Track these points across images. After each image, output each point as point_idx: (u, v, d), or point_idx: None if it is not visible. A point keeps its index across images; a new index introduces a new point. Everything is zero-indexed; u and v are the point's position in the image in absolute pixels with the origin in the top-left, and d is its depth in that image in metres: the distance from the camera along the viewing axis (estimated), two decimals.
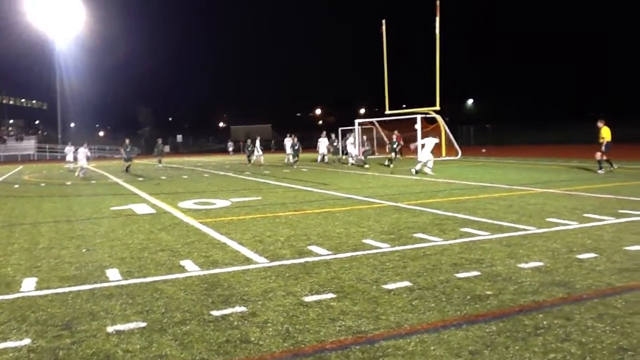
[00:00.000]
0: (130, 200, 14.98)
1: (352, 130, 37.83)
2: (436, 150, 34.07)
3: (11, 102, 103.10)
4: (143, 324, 4.82)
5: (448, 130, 36.12)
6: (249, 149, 33.27)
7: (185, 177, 24.77)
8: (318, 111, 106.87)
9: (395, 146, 28.86)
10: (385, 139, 38.21)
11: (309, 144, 48.00)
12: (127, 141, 29.00)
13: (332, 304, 5.26)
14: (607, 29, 72.16)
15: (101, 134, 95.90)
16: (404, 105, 41.63)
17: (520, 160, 28.44)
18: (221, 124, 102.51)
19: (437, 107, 34.05)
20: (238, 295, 5.62)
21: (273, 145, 52.50)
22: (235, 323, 4.80)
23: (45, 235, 9.55)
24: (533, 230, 8.65)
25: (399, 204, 12.26)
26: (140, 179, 24.03)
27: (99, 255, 7.79)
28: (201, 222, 10.46)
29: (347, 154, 32.64)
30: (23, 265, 7.27)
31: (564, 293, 5.38)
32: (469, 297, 5.34)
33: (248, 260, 7.15)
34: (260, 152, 33.56)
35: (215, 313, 5.07)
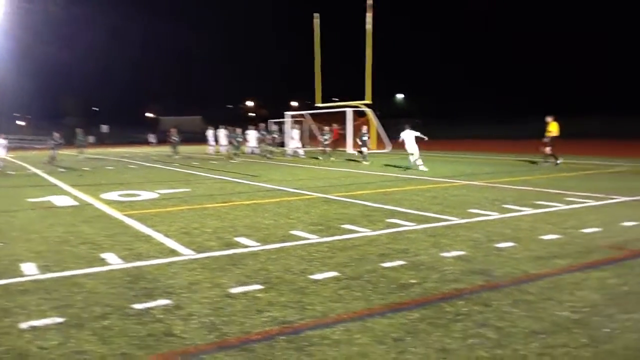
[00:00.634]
0: (50, 192, 14.34)
1: (281, 123, 37.83)
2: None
3: None
4: (60, 320, 4.63)
5: (379, 124, 36.68)
6: (173, 139, 32.18)
7: (110, 168, 23.97)
8: (250, 103, 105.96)
9: (326, 138, 28.60)
10: (317, 132, 38.36)
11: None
12: (55, 134, 28.08)
13: (258, 295, 5.24)
14: (543, 26, 74.06)
15: (22, 123, 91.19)
16: (336, 99, 41.92)
17: (446, 154, 29.27)
18: (150, 115, 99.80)
19: (368, 101, 34.51)
20: (162, 287, 5.49)
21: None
22: (159, 316, 4.69)
23: None
24: (456, 220, 8.93)
25: (328, 196, 12.35)
26: (62, 170, 23.05)
27: (14, 249, 7.40)
28: (126, 215, 10.15)
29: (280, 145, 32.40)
30: None
31: (483, 281, 5.58)
32: (394, 285, 5.45)
33: (174, 253, 7.00)
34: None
35: (137, 306, 4.94)
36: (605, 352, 3.82)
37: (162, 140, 52.90)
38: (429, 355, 3.83)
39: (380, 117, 37.68)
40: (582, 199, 11.10)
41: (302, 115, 42.22)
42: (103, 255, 6.87)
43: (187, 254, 6.93)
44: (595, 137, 39.89)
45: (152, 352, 3.97)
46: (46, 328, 4.45)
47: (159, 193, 13.58)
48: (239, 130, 30.97)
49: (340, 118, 35.07)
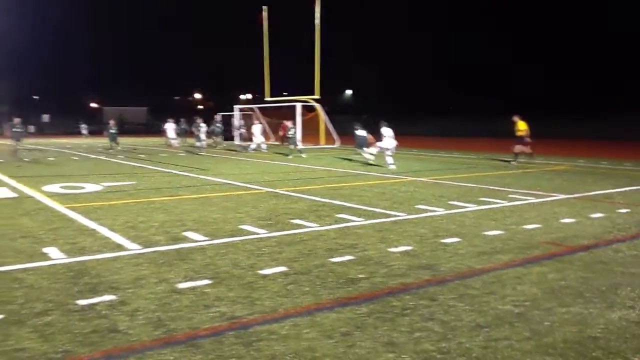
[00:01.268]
0: None
1: (230, 116, 37.56)
2: (315, 139, 34.84)
3: None
4: None
5: (327, 119, 36.80)
6: (111, 131, 30.82)
7: (51, 159, 23.17)
8: (197, 95, 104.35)
9: (292, 133, 27.59)
10: (267, 126, 38.18)
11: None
12: (15, 120, 25.12)
13: (206, 290, 5.19)
14: (506, 25, 74.95)
15: None
16: (285, 93, 41.78)
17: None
18: (93, 105, 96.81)
19: (317, 96, 34.57)
20: (107, 283, 5.37)
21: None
22: (103, 312, 4.59)
23: None
24: (403, 216, 9.08)
25: (277, 190, 12.33)
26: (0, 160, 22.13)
27: None
28: (68, 207, 9.85)
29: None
30: None
31: (429, 275, 5.70)
32: (342, 280, 5.50)
33: (119, 247, 6.85)
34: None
35: (81, 302, 4.81)
36: (545, 345, 3.97)
37: (96, 131, 51.07)
38: (376, 349, 3.89)
39: (328, 113, 37.79)
40: (524, 196, 11.48)
41: (251, 109, 41.89)
42: (45, 250, 6.65)
43: (133, 248, 6.79)
44: (553, 137, 40.56)
45: (95, 349, 3.88)
46: None
47: (103, 185, 13.23)
48: (200, 121, 30.42)
49: (288, 113, 34.97)
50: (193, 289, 5.22)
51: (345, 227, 8.19)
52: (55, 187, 12.81)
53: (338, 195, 11.48)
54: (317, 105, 35.93)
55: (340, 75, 75.37)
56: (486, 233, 7.75)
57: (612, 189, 12.89)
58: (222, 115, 37.68)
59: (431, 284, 5.42)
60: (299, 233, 7.72)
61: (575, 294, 5.14)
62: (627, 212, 9.63)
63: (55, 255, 6.43)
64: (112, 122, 31.35)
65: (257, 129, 29.48)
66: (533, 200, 10.98)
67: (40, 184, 13.53)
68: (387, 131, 18.92)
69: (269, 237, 7.44)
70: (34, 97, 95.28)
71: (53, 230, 7.85)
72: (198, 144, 29.09)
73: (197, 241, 7.19)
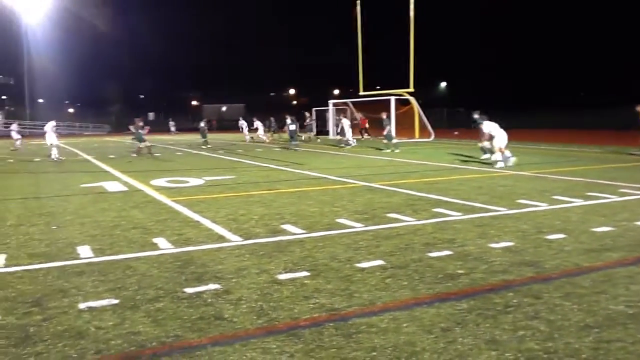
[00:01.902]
0: (101, 177, 14.76)
1: (324, 112, 37.91)
2: (409, 132, 34.43)
3: None
4: (115, 301, 4.79)
5: (422, 112, 36.27)
6: (202, 127, 32.02)
7: (157, 155, 24.44)
8: (292, 91, 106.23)
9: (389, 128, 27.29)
10: (359, 120, 38.21)
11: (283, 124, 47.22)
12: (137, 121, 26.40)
13: (305, 281, 5.29)
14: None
15: (71, 110, 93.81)
16: (378, 87, 41.58)
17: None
18: (194, 103, 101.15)
19: (411, 89, 34.13)
20: (211, 272, 5.61)
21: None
22: (209, 300, 4.80)
23: (13, 212, 9.37)
24: (503, 211, 8.79)
25: (372, 184, 12.33)
26: (112, 156, 23.66)
27: (69, 232, 7.68)
28: (174, 200, 10.37)
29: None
30: None
31: (533, 272, 5.49)
32: (440, 275, 5.42)
33: (221, 239, 7.13)
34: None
35: (188, 290, 5.06)
36: None
37: (184, 129, 53.13)
38: (478, 346, 3.80)
39: (422, 106, 37.22)
40: (637, 190, 10.76)
41: (345, 104, 42.05)
42: (154, 240, 7.06)
43: (235, 240, 7.04)
44: None
45: (203, 334, 4.07)
46: (102, 309, 4.61)
47: (205, 180, 13.81)
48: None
49: (381, 107, 34.75)
50: (293, 280, 5.35)
51: (442, 221, 8.05)
52: (161, 181, 13.53)
53: (434, 190, 11.30)
54: (412, 99, 35.49)
55: (434, 68, 74.07)
56: (594, 229, 7.34)
57: None
58: (317, 110, 38.14)
59: (535, 281, 5.22)
60: (396, 227, 7.68)
61: None
62: None
63: (164, 245, 6.80)
64: (203, 121, 32.86)
65: (345, 123, 29.57)
66: None
67: (148, 178, 14.34)
68: (491, 125, 16.94)
69: (366, 231, 7.46)
70: (140, 95, 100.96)
71: (161, 222, 8.30)
72: (294, 142, 29.09)
73: (295, 234, 7.34)
